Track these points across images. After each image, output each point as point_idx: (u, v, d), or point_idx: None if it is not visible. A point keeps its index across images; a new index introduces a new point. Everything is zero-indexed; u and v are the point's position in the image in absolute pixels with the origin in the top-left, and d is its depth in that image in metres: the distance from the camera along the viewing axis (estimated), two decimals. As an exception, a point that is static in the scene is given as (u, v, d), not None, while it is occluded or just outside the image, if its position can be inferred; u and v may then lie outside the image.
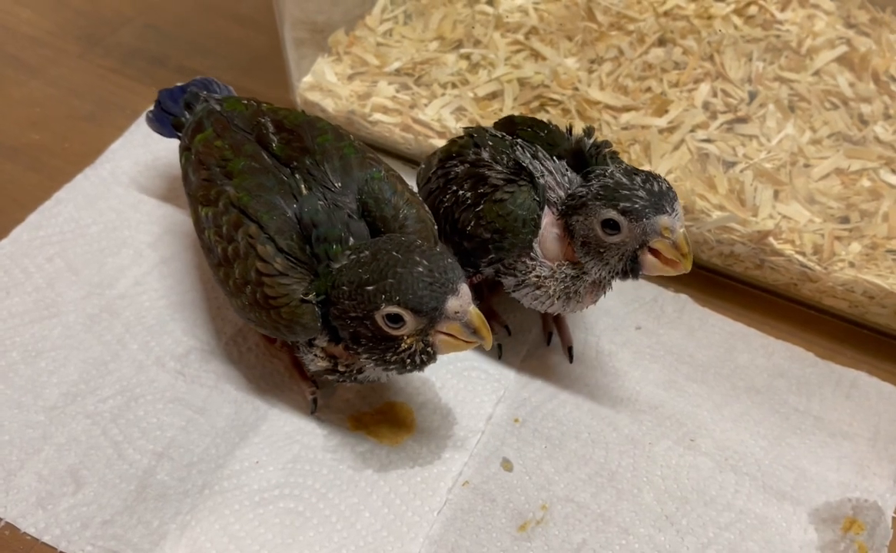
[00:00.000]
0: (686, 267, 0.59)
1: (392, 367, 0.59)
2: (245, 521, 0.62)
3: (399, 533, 0.62)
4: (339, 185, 0.63)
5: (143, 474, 0.64)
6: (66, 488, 0.63)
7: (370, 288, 0.56)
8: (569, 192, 0.63)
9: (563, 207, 0.63)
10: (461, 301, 0.56)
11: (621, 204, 0.59)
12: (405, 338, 0.57)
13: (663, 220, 0.58)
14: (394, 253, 0.57)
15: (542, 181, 0.63)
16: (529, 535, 0.62)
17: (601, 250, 0.61)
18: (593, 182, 0.62)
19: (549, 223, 0.64)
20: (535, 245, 0.64)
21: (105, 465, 0.64)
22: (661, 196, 0.59)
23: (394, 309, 0.55)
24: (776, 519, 0.63)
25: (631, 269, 0.61)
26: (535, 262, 0.64)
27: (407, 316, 0.56)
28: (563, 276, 0.64)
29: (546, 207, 0.64)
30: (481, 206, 0.64)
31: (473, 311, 0.56)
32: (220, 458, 0.65)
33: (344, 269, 0.58)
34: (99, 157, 0.87)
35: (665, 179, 0.60)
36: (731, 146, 0.81)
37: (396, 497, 0.64)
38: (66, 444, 0.65)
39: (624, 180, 0.60)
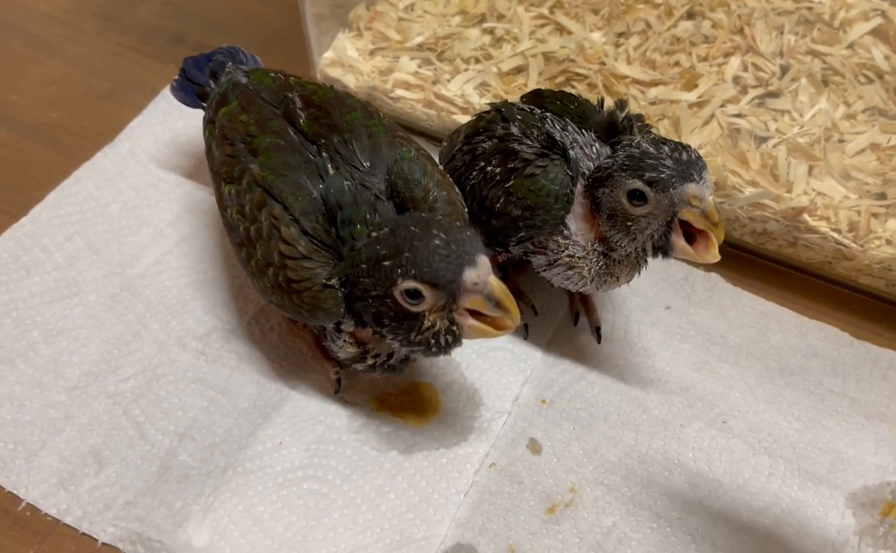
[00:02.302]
0: (718, 237, 0.57)
1: (417, 348, 0.57)
2: (268, 503, 0.61)
3: (425, 515, 0.61)
4: (368, 164, 0.61)
5: (166, 455, 0.63)
6: (88, 469, 0.62)
7: (387, 263, 0.54)
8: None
9: (590, 180, 0.61)
10: (479, 272, 0.54)
11: (647, 174, 0.57)
12: (427, 315, 0.55)
13: (691, 188, 0.56)
14: (412, 228, 0.55)
15: (573, 154, 0.62)
16: (558, 518, 0.61)
17: (628, 224, 0.59)
18: (619, 153, 0.60)
19: (579, 198, 0.62)
20: (569, 222, 0.62)
21: (127, 446, 0.64)
22: (688, 165, 0.57)
23: (410, 283, 0.53)
24: (812, 503, 0.62)
25: (660, 246, 0.59)
26: (567, 241, 0.62)
27: (425, 290, 0.54)
28: (598, 254, 0.62)
29: (577, 183, 0.62)
30: (511, 182, 0.62)
31: (494, 283, 0.54)
32: (242, 439, 0.64)
33: (363, 248, 0.57)
34: (118, 136, 0.86)
35: (694, 149, 0.58)
36: (762, 121, 0.79)
37: (422, 479, 0.62)
38: (88, 424, 0.65)
39: (650, 149, 0.58)
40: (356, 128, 0.63)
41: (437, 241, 0.54)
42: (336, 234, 0.58)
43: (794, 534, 0.60)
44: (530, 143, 0.62)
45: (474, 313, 0.55)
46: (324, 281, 0.58)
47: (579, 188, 0.62)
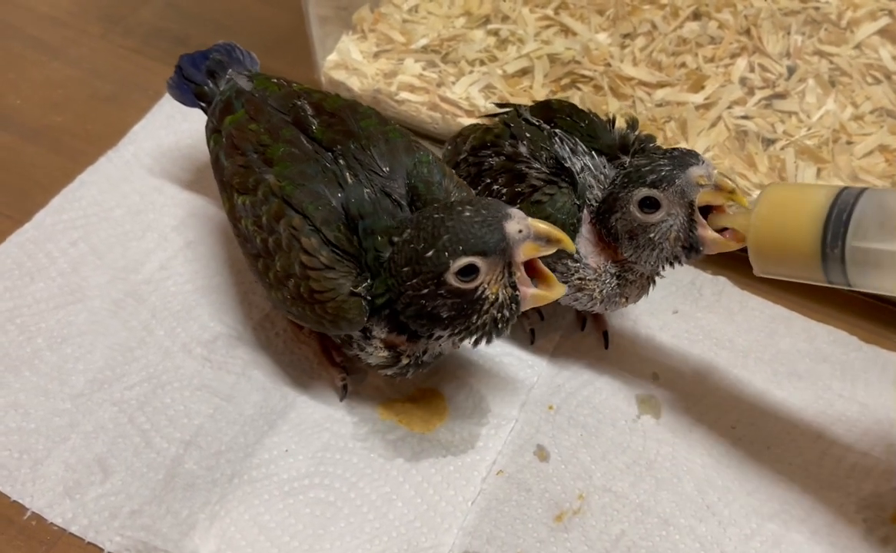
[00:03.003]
0: (741, 202, 0.56)
1: (478, 333, 0.56)
2: (275, 511, 0.61)
3: (433, 523, 0.60)
4: (387, 169, 0.60)
5: (172, 463, 0.63)
6: (94, 477, 0.62)
7: (430, 254, 0.53)
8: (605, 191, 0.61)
9: (598, 213, 0.61)
10: (517, 219, 0.53)
11: (649, 178, 0.57)
12: (486, 288, 0.54)
13: (693, 171, 0.57)
14: (435, 215, 0.55)
15: (581, 180, 0.61)
16: (566, 525, 0.60)
17: (651, 236, 0.59)
18: (617, 179, 0.60)
19: (587, 223, 0.62)
20: (579, 245, 0.61)
21: (133, 454, 0.63)
22: (683, 155, 0.58)
23: (462, 260, 0.53)
24: (822, 509, 0.61)
25: (690, 246, 0.59)
26: (577, 264, 0.62)
27: (478, 261, 0.53)
28: (610, 276, 0.62)
29: (584, 209, 0.62)
30: (517, 206, 0.62)
31: (537, 223, 0.54)
32: (248, 447, 0.64)
33: (394, 256, 0.56)
34: (122, 140, 0.85)
35: (687, 148, 0.59)
36: (769, 123, 0.78)
37: (429, 486, 0.62)
38: (93, 432, 0.64)
39: (643, 160, 0.59)
40: (373, 134, 0.62)
41: (468, 213, 0.54)
42: (358, 243, 0.58)
43: (804, 540, 0.60)
44: (538, 167, 0.62)
45: (530, 271, 0.55)
46: (350, 289, 0.57)
47: (586, 214, 0.62)
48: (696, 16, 0.87)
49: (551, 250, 0.55)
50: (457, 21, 0.90)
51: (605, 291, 0.62)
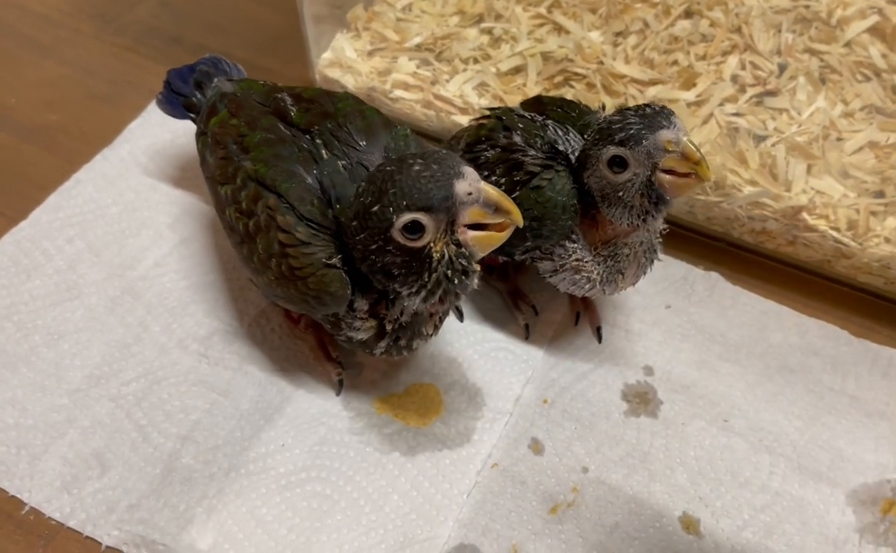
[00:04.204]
0: (704, 175, 0.56)
1: (437, 291, 0.55)
2: (272, 505, 0.61)
3: (428, 516, 0.61)
4: (364, 143, 0.61)
5: (169, 458, 0.63)
6: (92, 472, 0.62)
7: (376, 208, 0.53)
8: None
9: (573, 171, 0.61)
10: (469, 180, 0.53)
11: (617, 136, 0.57)
12: (433, 247, 0.53)
13: (663, 134, 0.56)
14: (387, 168, 0.54)
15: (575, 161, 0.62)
16: (561, 517, 0.61)
17: (619, 195, 0.59)
18: (589, 135, 0.61)
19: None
20: (576, 228, 0.62)
21: (130, 449, 0.64)
22: (655, 115, 0.57)
23: (406, 215, 0.52)
24: (813, 501, 0.62)
25: (655, 199, 0.58)
26: (575, 245, 0.62)
27: (423, 218, 0.52)
28: (603, 258, 0.62)
29: None
30: (517, 193, 0.62)
31: (488, 188, 0.53)
32: (245, 441, 0.64)
33: (349, 209, 0.56)
34: (117, 138, 0.86)
35: (661, 104, 0.58)
36: (761, 120, 0.79)
37: (425, 479, 0.63)
38: (91, 427, 0.65)
39: (615, 117, 0.59)
40: (349, 112, 0.63)
41: (417, 167, 0.53)
42: (334, 216, 0.58)
43: (795, 532, 0.60)
44: (534, 153, 0.63)
45: (476, 228, 0.54)
46: (324, 261, 0.57)
47: None
48: (688, 14, 0.87)
49: (498, 219, 0.54)
50: (450, 19, 0.91)
51: (602, 272, 0.63)
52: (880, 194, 0.73)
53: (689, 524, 0.61)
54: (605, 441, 0.65)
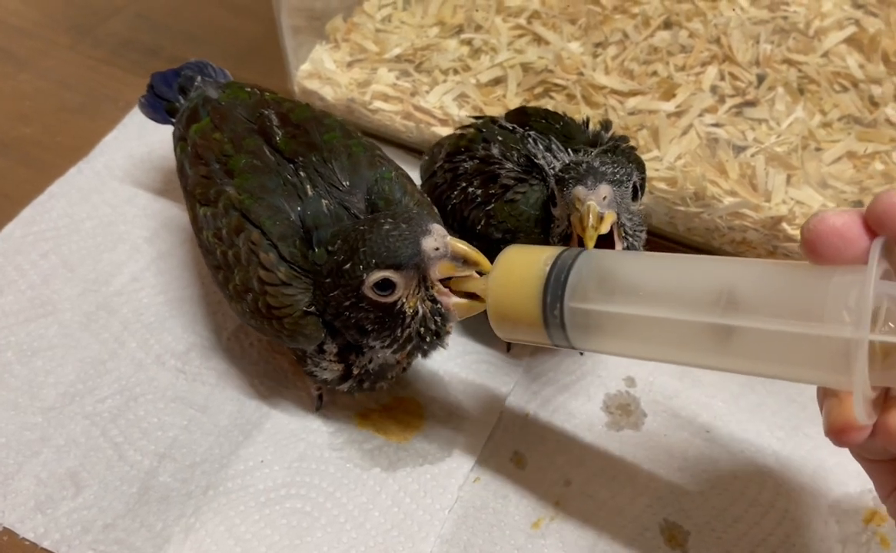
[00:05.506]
0: (586, 242, 0.55)
1: (409, 345, 0.56)
2: (251, 523, 0.60)
3: (410, 532, 0.60)
4: (348, 183, 0.60)
5: (145, 476, 0.62)
6: (66, 492, 0.61)
7: (347, 266, 0.54)
8: None
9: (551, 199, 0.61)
10: (436, 236, 0.53)
11: (564, 175, 0.58)
12: (405, 303, 0.54)
13: (578, 191, 0.56)
14: (360, 227, 0.55)
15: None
16: (544, 532, 0.60)
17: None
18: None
19: None
20: (551, 242, 0.62)
21: (105, 468, 0.62)
22: (589, 171, 0.57)
23: (375, 273, 0.53)
24: (795, 511, 0.62)
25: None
26: None
27: (392, 275, 0.53)
28: None
29: None
30: (492, 206, 0.62)
31: (455, 242, 0.54)
32: (223, 458, 0.63)
33: (323, 266, 0.56)
34: (92, 151, 0.85)
35: (616, 160, 0.58)
36: (740, 130, 0.79)
37: (406, 495, 0.62)
38: (65, 445, 0.63)
39: (581, 160, 0.59)
40: (335, 147, 0.62)
41: (387, 226, 0.54)
42: (313, 260, 0.58)
43: (778, 544, 0.60)
44: (510, 166, 0.62)
45: (453, 291, 0.55)
46: (304, 308, 0.57)
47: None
48: (667, 25, 0.88)
49: (468, 272, 0.54)
50: (430, 30, 0.90)
51: None
52: (858, 204, 0.74)
53: (673, 537, 0.60)
54: (588, 453, 0.65)
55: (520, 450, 0.65)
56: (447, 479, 0.63)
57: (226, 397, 0.67)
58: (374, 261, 0.53)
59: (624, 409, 0.67)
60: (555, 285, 0.50)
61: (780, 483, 0.63)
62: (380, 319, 0.55)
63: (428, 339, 0.56)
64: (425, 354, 0.58)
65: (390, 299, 0.54)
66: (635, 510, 0.62)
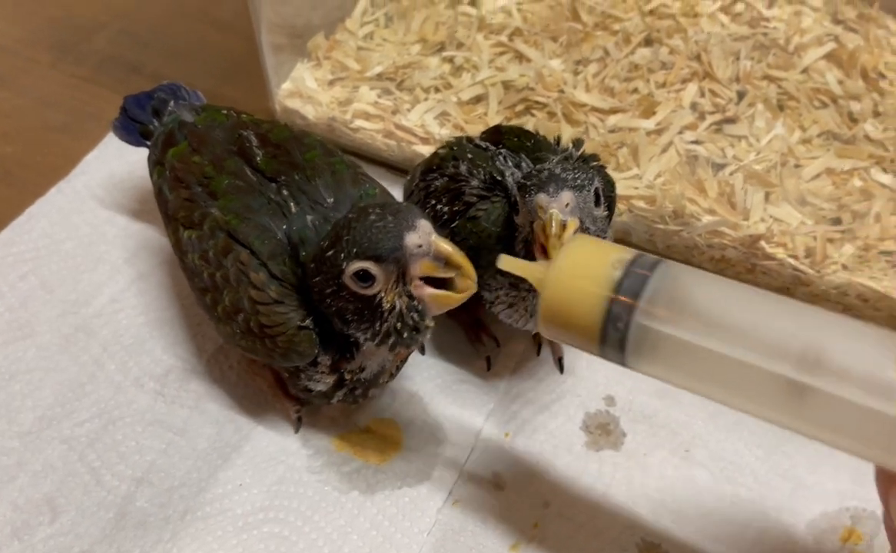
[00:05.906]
0: (549, 249, 0.54)
1: (389, 339, 0.55)
2: (228, 548, 0.60)
3: (388, 556, 0.60)
4: (332, 200, 0.61)
5: (122, 501, 0.62)
6: (43, 518, 0.61)
7: (330, 253, 0.54)
8: None
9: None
10: (420, 233, 0.53)
11: (526, 182, 0.57)
12: (384, 296, 0.54)
13: (540, 198, 0.56)
14: (349, 216, 0.55)
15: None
16: (522, 554, 0.60)
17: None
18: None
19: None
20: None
21: (82, 493, 0.62)
22: (551, 178, 0.56)
23: (355, 264, 0.53)
24: (774, 530, 0.62)
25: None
26: (505, 279, 0.61)
27: (372, 267, 0.53)
28: (534, 295, 0.61)
29: None
30: (456, 223, 0.62)
31: (440, 242, 0.53)
32: (201, 482, 0.63)
33: (311, 254, 0.57)
34: (73, 170, 0.85)
35: (577, 165, 0.58)
36: (720, 147, 0.79)
37: (385, 518, 0.62)
38: (42, 471, 0.63)
39: (542, 167, 0.58)
40: (318, 165, 0.62)
41: (373, 217, 0.53)
42: (302, 274, 0.58)
43: (756, 563, 0.60)
44: (475, 184, 0.63)
45: (431, 283, 0.54)
46: (298, 324, 0.57)
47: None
48: (648, 42, 0.88)
49: (449, 274, 0.54)
50: (412, 48, 0.90)
51: (530, 307, 0.62)
52: (837, 221, 0.74)
53: (651, 558, 0.60)
54: (567, 474, 0.65)
55: (498, 471, 0.65)
56: (426, 502, 0.63)
57: (204, 420, 0.67)
58: (354, 250, 0.53)
59: (604, 429, 0.67)
60: (626, 296, 0.45)
61: (757, 501, 0.63)
62: (359, 311, 0.55)
63: (405, 335, 0.55)
64: (408, 347, 0.57)
65: (370, 292, 0.53)
66: (613, 532, 0.62)
